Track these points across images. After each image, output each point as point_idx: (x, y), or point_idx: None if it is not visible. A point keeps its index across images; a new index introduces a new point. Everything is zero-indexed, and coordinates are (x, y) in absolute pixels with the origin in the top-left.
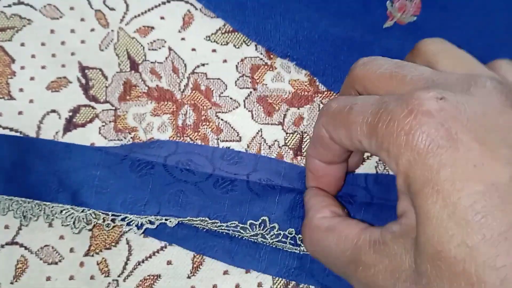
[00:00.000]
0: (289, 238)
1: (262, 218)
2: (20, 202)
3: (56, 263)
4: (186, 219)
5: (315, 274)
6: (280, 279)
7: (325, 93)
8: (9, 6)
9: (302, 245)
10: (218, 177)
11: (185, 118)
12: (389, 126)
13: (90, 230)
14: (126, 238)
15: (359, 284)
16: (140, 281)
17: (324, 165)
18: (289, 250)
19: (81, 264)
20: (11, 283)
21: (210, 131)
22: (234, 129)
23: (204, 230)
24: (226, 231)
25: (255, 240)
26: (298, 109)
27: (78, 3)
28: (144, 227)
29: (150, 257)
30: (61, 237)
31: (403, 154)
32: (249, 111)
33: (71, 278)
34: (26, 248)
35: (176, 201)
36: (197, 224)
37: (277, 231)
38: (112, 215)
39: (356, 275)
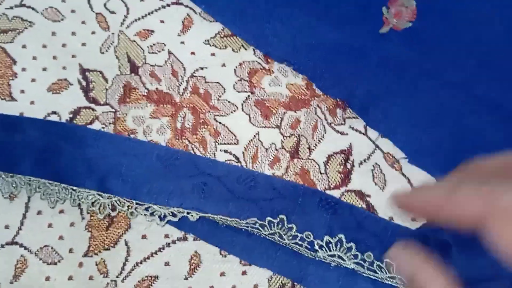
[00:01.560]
0: (306, 242)
1: (280, 216)
2: (47, 184)
3: (55, 263)
4: (207, 215)
5: (328, 282)
6: (276, 280)
7: (322, 96)
8: (11, 8)
9: (319, 251)
10: (241, 172)
11: (184, 121)
12: None
13: (89, 231)
14: (125, 239)
15: None
16: (138, 281)
17: None
18: (306, 255)
19: (80, 264)
20: (11, 282)
21: (208, 134)
22: (231, 132)
23: (224, 225)
24: (245, 227)
25: (273, 239)
26: (295, 112)
27: (79, 6)
28: (166, 219)
29: (148, 258)
30: (61, 238)
31: None
32: (246, 114)
33: (70, 278)
34: (26, 248)
35: (199, 193)
36: (217, 219)
37: (294, 232)
38: (137, 203)
39: None
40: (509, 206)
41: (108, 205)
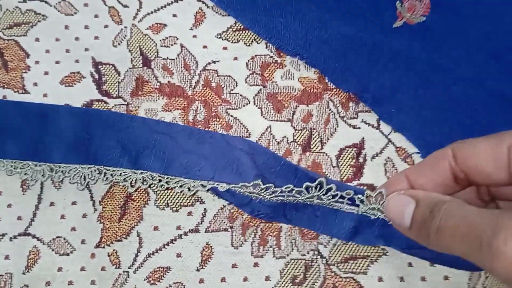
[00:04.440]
0: (346, 199)
1: (319, 180)
2: (78, 169)
3: (67, 254)
4: (238, 185)
5: (369, 237)
6: (288, 271)
7: (334, 90)
8: (24, 1)
9: (360, 205)
10: (269, 156)
11: (196, 114)
12: None
13: (101, 222)
14: (137, 231)
15: None
16: (150, 272)
17: None
18: (346, 211)
19: (92, 255)
20: (23, 273)
21: (220, 127)
22: (243, 126)
23: (258, 200)
24: (280, 197)
25: (311, 203)
26: (307, 106)
27: (92, 0)
28: (195, 189)
29: (160, 249)
30: (73, 229)
31: None
32: (258, 108)
33: (82, 269)
34: (38, 239)
35: (231, 168)
36: (249, 192)
37: (334, 191)
38: (167, 178)
39: None
40: None
41: (139, 179)
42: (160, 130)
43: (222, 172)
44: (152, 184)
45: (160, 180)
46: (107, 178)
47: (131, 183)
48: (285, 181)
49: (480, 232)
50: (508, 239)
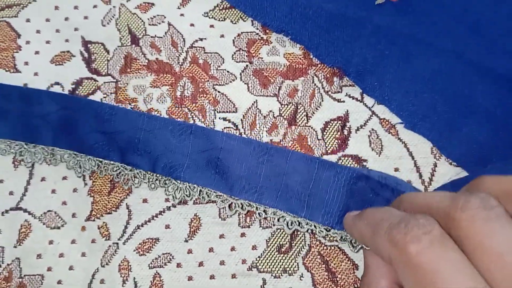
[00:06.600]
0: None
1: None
2: (73, 155)
3: (58, 228)
4: (220, 193)
5: None
6: (274, 241)
7: (319, 65)
8: None
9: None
10: (255, 145)
11: (184, 89)
12: None
13: (92, 196)
14: (126, 203)
15: None
16: (139, 244)
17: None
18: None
19: (83, 228)
20: (15, 246)
21: (208, 102)
22: (230, 101)
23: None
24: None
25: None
26: (293, 81)
27: None
28: (180, 196)
29: (149, 221)
30: (64, 203)
31: None
32: (245, 83)
33: (73, 242)
34: (29, 213)
35: (214, 168)
36: (233, 200)
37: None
38: (156, 176)
39: None
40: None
41: (131, 177)
42: (141, 127)
43: (205, 172)
44: (142, 184)
45: (149, 180)
46: (101, 171)
47: (124, 180)
48: (277, 167)
49: None
50: None
